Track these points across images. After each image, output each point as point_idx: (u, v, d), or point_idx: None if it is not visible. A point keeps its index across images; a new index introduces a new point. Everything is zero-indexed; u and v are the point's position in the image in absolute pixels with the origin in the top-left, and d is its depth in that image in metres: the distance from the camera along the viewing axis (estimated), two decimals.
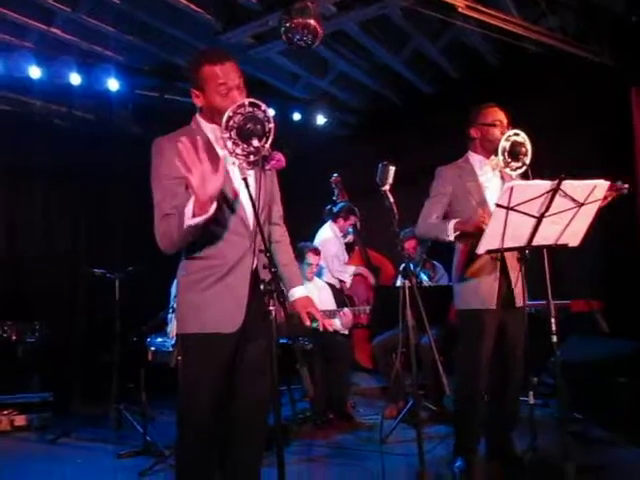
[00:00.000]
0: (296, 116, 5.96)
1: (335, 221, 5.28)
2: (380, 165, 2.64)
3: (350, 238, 5.53)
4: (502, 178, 2.91)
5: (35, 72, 4.60)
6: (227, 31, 4.39)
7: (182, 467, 1.97)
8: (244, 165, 1.91)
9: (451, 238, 2.74)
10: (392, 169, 2.60)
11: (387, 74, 5.61)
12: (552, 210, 2.34)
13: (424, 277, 4.53)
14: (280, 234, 2.23)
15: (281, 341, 3.82)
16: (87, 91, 4.88)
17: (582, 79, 4.70)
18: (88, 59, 4.73)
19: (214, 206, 1.75)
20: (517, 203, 2.24)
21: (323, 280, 5.08)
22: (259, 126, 1.91)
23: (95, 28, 4.34)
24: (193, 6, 4.08)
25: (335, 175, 5.67)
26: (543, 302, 4.08)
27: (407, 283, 2.55)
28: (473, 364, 2.84)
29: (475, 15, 3.57)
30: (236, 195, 1.96)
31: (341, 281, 5.20)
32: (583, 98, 4.71)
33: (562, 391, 2.67)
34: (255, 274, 1.93)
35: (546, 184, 2.29)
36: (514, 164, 2.77)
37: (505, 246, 2.37)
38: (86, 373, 4.89)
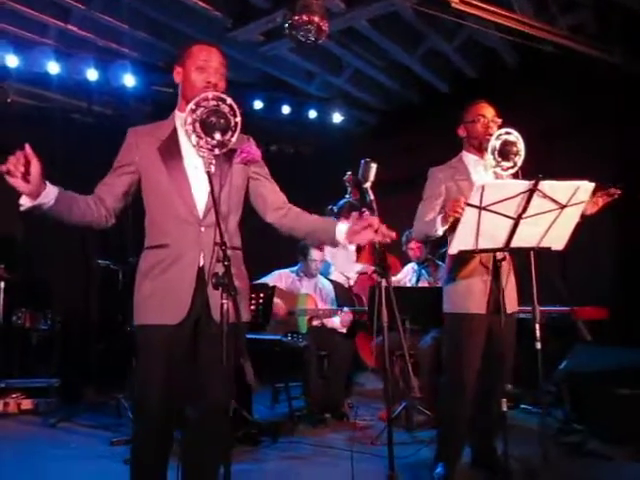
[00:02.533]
0: (312, 114, 5.96)
1: (338, 219, 5.24)
2: (362, 162, 2.62)
3: None
4: (497, 178, 2.84)
5: (54, 68, 4.76)
6: (236, 28, 4.44)
7: (135, 457, 1.98)
8: (209, 158, 1.93)
9: (439, 232, 2.65)
10: (374, 166, 2.57)
11: (403, 73, 5.56)
12: (530, 211, 2.26)
13: (425, 276, 4.47)
14: (288, 208, 2.17)
15: (276, 338, 3.84)
16: (104, 87, 5.01)
17: (598, 79, 4.55)
18: (104, 55, 4.85)
19: (43, 194, 1.80)
20: (490, 203, 2.18)
21: (331, 277, 5.08)
22: (222, 120, 1.91)
23: (109, 25, 4.45)
24: (201, 3, 4.13)
25: (349, 173, 5.63)
26: (544, 308, 4.04)
27: (383, 282, 2.49)
28: (459, 369, 2.77)
29: (470, 10, 3.50)
30: (188, 186, 1.98)
31: (347, 278, 5.17)
32: (600, 98, 4.56)
33: (546, 400, 2.57)
34: (209, 267, 1.93)
35: (521, 184, 2.22)
36: (505, 164, 2.69)
37: (480, 247, 2.30)
38: (96, 361, 5.01)
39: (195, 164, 2.01)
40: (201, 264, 1.96)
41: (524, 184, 2.21)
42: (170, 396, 1.93)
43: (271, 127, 6.13)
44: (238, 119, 1.95)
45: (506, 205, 2.22)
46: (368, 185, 2.59)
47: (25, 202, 1.81)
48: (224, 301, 1.80)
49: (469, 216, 2.20)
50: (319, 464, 3.20)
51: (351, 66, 5.42)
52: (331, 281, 4.90)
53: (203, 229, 1.96)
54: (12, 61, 4.62)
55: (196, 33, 4.60)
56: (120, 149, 2.09)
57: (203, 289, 1.94)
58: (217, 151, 1.92)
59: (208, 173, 1.89)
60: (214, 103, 1.92)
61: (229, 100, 1.95)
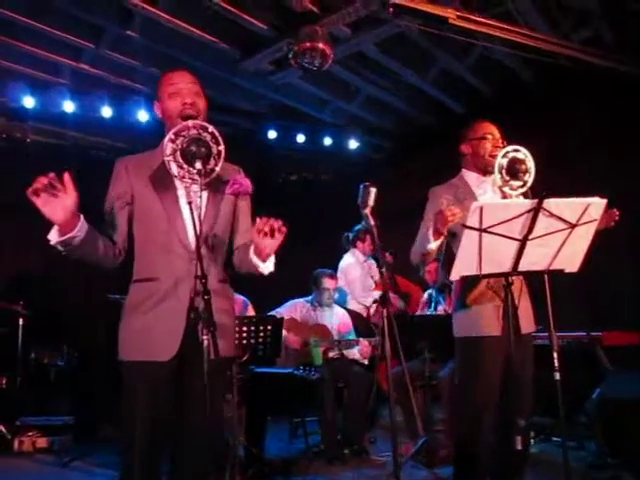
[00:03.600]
0: (327, 141, 5.93)
1: (355, 246, 5.15)
2: (361, 187, 2.55)
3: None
4: (504, 197, 2.69)
5: (69, 106, 4.86)
6: (245, 59, 4.45)
7: None
8: (192, 188, 1.87)
9: (432, 247, 2.48)
10: (373, 191, 2.50)
11: (416, 95, 5.48)
12: (537, 232, 2.12)
13: (442, 303, 4.29)
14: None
15: (287, 371, 3.71)
16: (119, 123, 5.08)
17: (620, 93, 4.38)
18: (118, 92, 4.92)
19: (79, 226, 1.76)
20: (491, 224, 2.05)
21: (348, 306, 4.95)
22: (203, 149, 1.86)
23: (120, 62, 4.52)
24: (207, 35, 4.16)
25: None
26: (574, 334, 3.82)
27: (384, 312, 2.36)
28: (473, 399, 2.59)
29: (469, 26, 3.40)
30: (180, 217, 1.92)
31: (367, 307, 5.03)
32: (623, 113, 4.38)
33: (565, 430, 2.37)
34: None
35: (524, 203, 2.08)
36: (514, 183, 2.55)
37: (484, 272, 2.15)
38: (111, 396, 4.96)
39: (181, 193, 1.96)
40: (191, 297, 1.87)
41: (527, 203, 2.07)
42: (156, 433, 1.84)
43: (287, 156, 6.12)
44: (221, 147, 1.90)
45: (509, 226, 2.08)
46: (368, 211, 2.51)
47: (54, 236, 1.77)
48: (204, 337, 1.72)
49: (469, 239, 2.07)
50: None
51: (363, 91, 5.37)
52: (348, 310, 4.77)
53: (190, 261, 1.89)
54: (29, 102, 4.74)
55: (207, 66, 4.64)
56: (111, 181, 2.03)
57: (194, 325, 1.86)
58: (202, 180, 1.86)
59: (189, 203, 1.83)
60: (195, 132, 1.87)
61: (211, 128, 1.90)
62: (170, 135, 1.85)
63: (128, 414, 1.87)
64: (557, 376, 2.39)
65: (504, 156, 2.53)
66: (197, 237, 1.79)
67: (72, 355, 4.77)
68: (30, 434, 4.27)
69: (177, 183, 1.93)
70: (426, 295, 4.58)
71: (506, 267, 2.19)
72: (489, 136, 2.63)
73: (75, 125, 5.07)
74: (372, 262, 5.32)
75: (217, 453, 2.02)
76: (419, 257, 2.68)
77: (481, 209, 2.00)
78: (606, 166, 4.43)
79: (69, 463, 3.88)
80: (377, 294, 5.04)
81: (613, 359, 3.75)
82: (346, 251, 5.20)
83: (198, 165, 1.83)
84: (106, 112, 4.96)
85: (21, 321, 4.69)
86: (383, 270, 2.51)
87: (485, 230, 2.04)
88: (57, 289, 5.36)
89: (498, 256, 2.14)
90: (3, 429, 4.25)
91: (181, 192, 1.93)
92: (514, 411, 2.58)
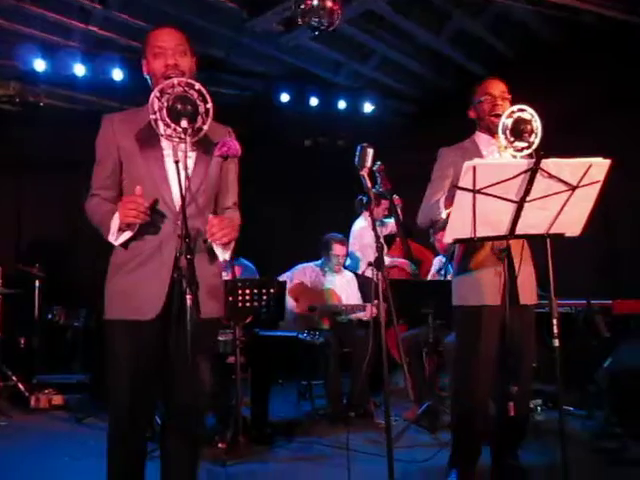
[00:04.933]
0: (341, 104, 5.80)
1: (368, 209, 5.08)
2: (359, 147, 2.48)
3: (391, 229, 5.31)
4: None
5: (80, 69, 4.83)
6: (252, 18, 4.35)
7: (111, 453, 1.93)
8: (179, 147, 1.84)
9: (443, 216, 2.45)
10: (371, 152, 2.43)
11: (434, 57, 5.31)
12: (535, 194, 2.04)
13: (450, 270, 4.22)
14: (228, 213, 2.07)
15: (292, 335, 3.73)
16: (129, 84, 5.03)
17: None
18: (129, 54, 4.88)
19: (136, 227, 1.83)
20: (485, 185, 1.97)
21: (360, 271, 4.92)
22: (189, 106, 1.82)
23: (129, 23, 4.46)
24: None
25: (378, 163, 5.45)
26: (582, 301, 3.73)
27: (379, 276, 2.32)
28: (470, 368, 2.55)
29: None
30: (164, 176, 1.90)
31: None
32: None
33: (561, 400, 2.32)
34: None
35: (520, 163, 2.00)
36: (519, 144, 2.46)
37: (479, 235, 2.09)
38: None
39: (171, 154, 1.93)
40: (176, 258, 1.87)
41: (524, 163, 1.99)
42: (142, 388, 1.86)
43: (301, 120, 6.02)
44: (209, 105, 1.86)
45: (505, 187, 2.01)
46: (365, 172, 2.45)
47: (115, 237, 1.85)
48: (187, 296, 1.72)
49: (462, 200, 2.00)
50: (329, 465, 3.06)
51: (377, 53, 5.22)
52: (361, 276, 4.74)
53: (175, 221, 1.88)
54: (40, 65, 4.73)
55: (214, 26, 4.56)
56: (97, 139, 2.00)
57: (178, 285, 1.86)
58: (189, 139, 1.83)
59: (176, 162, 1.80)
60: (180, 89, 1.83)
61: (197, 85, 1.85)
62: (155, 93, 1.82)
63: (112, 370, 1.90)
64: (556, 342, 2.34)
65: (509, 116, 2.43)
66: (182, 197, 1.76)
67: (88, 317, 4.87)
68: (46, 392, 4.40)
69: (164, 143, 1.90)
70: (436, 262, 4.51)
71: (502, 230, 2.13)
72: (487, 97, 2.53)
73: (86, 88, 5.05)
74: (389, 222, 5.27)
75: (202, 410, 2.03)
76: (428, 222, 2.64)
77: (474, 169, 1.93)
78: (634, 126, 4.25)
79: (83, 420, 3.99)
80: (389, 260, 5.00)
81: (625, 328, 3.66)
82: (359, 215, 5.14)
83: (184, 123, 1.79)
84: (117, 75, 4.92)
85: (37, 283, 4.80)
86: (380, 236, 2.48)
87: (479, 191, 1.97)
88: (74, 252, 5.45)
89: (494, 218, 2.08)
90: (21, 387, 4.40)
91: (168, 152, 1.90)
92: (512, 379, 2.56)
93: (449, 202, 2.35)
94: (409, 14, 4.53)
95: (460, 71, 5.47)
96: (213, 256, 2.01)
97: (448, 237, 2.10)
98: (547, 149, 2.31)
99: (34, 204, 5.45)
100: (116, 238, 1.85)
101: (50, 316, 4.82)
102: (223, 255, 1.93)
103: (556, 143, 2.33)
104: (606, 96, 4.58)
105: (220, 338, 3.38)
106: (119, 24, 4.53)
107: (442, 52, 5.14)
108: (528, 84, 3.01)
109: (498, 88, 2.54)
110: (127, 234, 1.84)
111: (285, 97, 5.54)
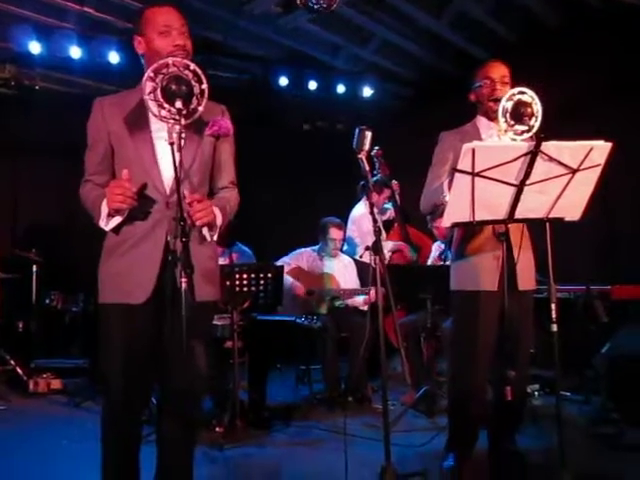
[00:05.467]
0: (340, 88, 5.74)
1: (368, 196, 5.04)
2: (357, 130, 2.44)
3: (390, 214, 5.29)
4: None
5: (76, 52, 4.77)
6: (250, 1, 4.29)
7: (105, 437, 1.93)
8: (174, 129, 1.81)
9: (447, 199, 2.43)
10: (369, 134, 2.40)
11: (435, 41, 5.25)
12: (535, 177, 2.01)
13: (449, 255, 4.21)
14: (224, 192, 2.05)
15: (289, 319, 3.73)
16: (125, 68, 4.97)
17: None
18: (124, 37, 4.81)
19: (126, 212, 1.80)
20: (484, 168, 1.95)
21: (359, 257, 4.90)
22: (184, 87, 1.78)
23: (124, 5, 4.40)
24: None
25: (377, 148, 5.41)
26: (581, 287, 3.73)
27: (377, 260, 2.30)
28: (467, 353, 2.54)
29: None
30: (154, 159, 1.87)
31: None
32: None
33: (558, 385, 2.32)
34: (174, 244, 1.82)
35: (520, 145, 1.98)
36: (519, 127, 2.43)
37: (478, 218, 2.07)
38: None
39: (164, 136, 1.90)
40: (168, 241, 1.85)
41: (524, 146, 1.97)
42: (137, 374, 1.85)
43: (299, 104, 5.97)
44: (204, 86, 1.82)
45: (504, 170, 1.98)
46: (363, 155, 2.42)
47: (115, 221, 1.82)
48: (182, 279, 1.70)
49: (461, 183, 1.98)
50: (326, 450, 3.07)
51: (377, 36, 5.16)
52: (360, 262, 4.73)
53: (165, 204, 1.86)
54: (35, 48, 4.66)
55: (212, 8, 4.50)
56: (88, 123, 1.98)
57: (171, 268, 1.84)
58: (183, 121, 1.80)
59: (171, 144, 1.77)
60: (175, 69, 1.80)
61: (192, 66, 1.81)
62: (149, 73, 1.78)
63: (106, 354, 1.89)
64: (554, 327, 2.33)
65: (509, 99, 2.39)
66: (177, 179, 1.74)
67: (86, 301, 4.86)
68: (45, 376, 4.42)
69: (153, 125, 1.88)
70: (435, 248, 4.50)
71: (501, 214, 2.11)
72: (486, 81, 2.50)
73: (83, 71, 4.99)
74: (388, 209, 5.25)
75: (198, 394, 2.02)
76: (431, 207, 2.61)
77: (473, 151, 1.90)
78: (635, 111, 4.22)
79: (81, 404, 4.00)
80: (391, 244, 4.98)
81: (624, 313, 3.66)
82: (359, 200, 5.11)
83: (179, 104, 1.76)
84: (113, 58, 4.86)
85: (34, 268, 4.79)
86: (378, 220, 2.47)
87: (478, 174, 1.95)
88: (71, 236, 5.42)
89: (493, 202, 2.06)
90: (19, 371, 4.41)
91: (160, 134, 1.87)
92: (509, 364, 2.55)
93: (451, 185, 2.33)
94: None
95: (461, 55, 5.41)
96: (208, 241, 1.99)
97: (446, 221, 2.09)
98: (548, 133, 2.29)
99: (30, 188, 5.42)
100: (106, 223, 1.83)
101: (48, 301, 4.81)
102: (208, 236, 1.89)
103: (557, 127, 2.30)
104: (608, 81, 4.54)
105: (218, 323, 3.39)
106: (115, 6, 4.47)
107: (442, 35, 5.08)
108: (530, 68, 2.97)
109: (498, 72, 2.51)
110: (117, 219, 1.82)
111: (284, 81, 5.48)
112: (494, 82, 2.47)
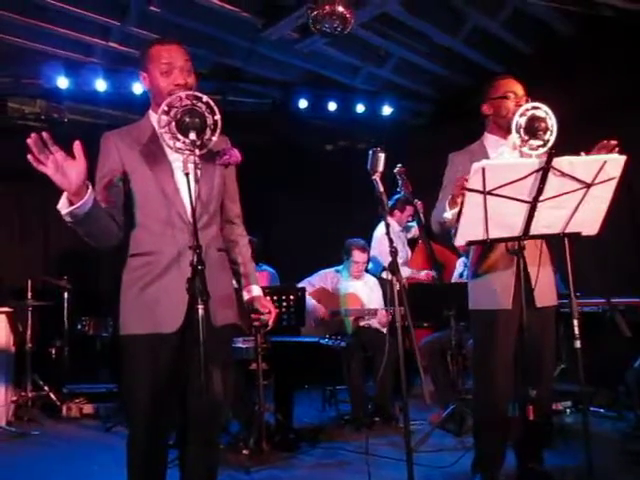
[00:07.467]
0: (360, 108, 5.80)
1: (392, 215, 5.05)
2: (370, 152, 2.47)
3: (414, 232, 5.28)
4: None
5: (101, 85, 4.95)
6: (267, 27, 4.39)
7: (131, 465, 1.96)
8: (189, 159, 1.87)
9: (448, 216, 2.39)
10: (382, 156, 2.43)
11: (451, 56, 5.26)
12: (548, 193, 2.01)
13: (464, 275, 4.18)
14: (237, 234, 2.14)
15: (313, 340, 3.74)
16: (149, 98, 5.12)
17: None
18: None
19: (88, 193, 1.75)
20: (496, 186, 1.95)
21: (383, 276, 4.89)
22: (197, 119, 1.84)
23: (146, 38, 4.54)
24: (227, 5, 4.12)
25: (399, 166, 5.42)
26: (603, 300, 3.64)
27: (394, 280, 2.31)
28: (487, 371, 2.51)
29: None
30: (176, 190, 1.93)
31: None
32: None
33: (586, 399, 2.28)
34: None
35: (530, 162, 1.97)
36: (534, 142, 2.42)
37: (492, 236, 2.06)
38: None
39: (180, 166, 1.96)
40: None
41: (534, 162, 1.96)
42: (160, 401, 1.87)
43: (320, 126, 6.04)
44: (217, 117, 1.87)
45: (517, 187, 1.98)
46: (377, 176, 2.44)
47: (64, 206, 1.77)
48: (199, 307, 1.74)
49: (472, 202, 1.98)
50: (352, 471, 3.05)
51: (394, 55, 5.21)
52: (384, 280, 4.71)
53: (190, 233, 1.89)
54: (63, 83, 4.86)
55: (230, 37, 4.62)
56: (100, 158, 2.00)
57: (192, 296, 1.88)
58: (197, 151, 1.85)
59: (187, 175, 1.83)
60: (188, 103, 1.86)
61: (205, 98, 1.87)
62: (163, 107, 1.83)
63: (130, 386, 1.92)
64: (577, 344, 2.30)
65: (522, 114, 2.39)
66: (193, 208, 1.79)
67: (115, 327, 4.96)
68: (77, 401, 4.52)
69: (171, 156, 1.93)
70: (460, 264, 4.47)
71: (516, 231, 2.10)
72: (511, 95, 2.48)
73: (108, 103, 5.17)
74: (412, 227, 5.23)
75: (217, 418, 2.04)
76: (437, 225, 2.61)
77: (483, 170, 1.91)
78: None
79: (112, 428, 4.07)
80: (409, 271, 4.93)
81: None
82: (382, 219, 5.10)
83: (192, 136, 1.82)
84: (137, 88, 5.02)
85: (66, 295, 4.91)
86: (394, 240, 2.46)
87: (489, 192, 1.95)
88: (99, 263, 5.56)
89: (507, 219, 2.05)
90: (53, 396, 4.51)
91: (177, 164, 1.92)
92: (530, 382, 2.50)
93: (453, 203, 2.31)
94: (423, 14, 4.51)
95: (477, 69, 5.42)
96: (225, 265, 2.04)
97: (460, 240, 2.09)
98: (566, 145, 2.29)
99: (60, 217, 5.57)
100: (67, 208, 1.77)
101: (79, 327, 4.93)
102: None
103: (575, 139, 2.31)
104: (625, 91, 4.48)
105: (242, 345, 3.42)
106: (138, 40, 4.62)
107: (458, 51, 5.09)
108: (546, 80, 2.94)
109: (520, 89, 2.51)
110: (86, 197, 1.75)
111: (303, 103, 5.56)
112: (519, 97, 2.46)
